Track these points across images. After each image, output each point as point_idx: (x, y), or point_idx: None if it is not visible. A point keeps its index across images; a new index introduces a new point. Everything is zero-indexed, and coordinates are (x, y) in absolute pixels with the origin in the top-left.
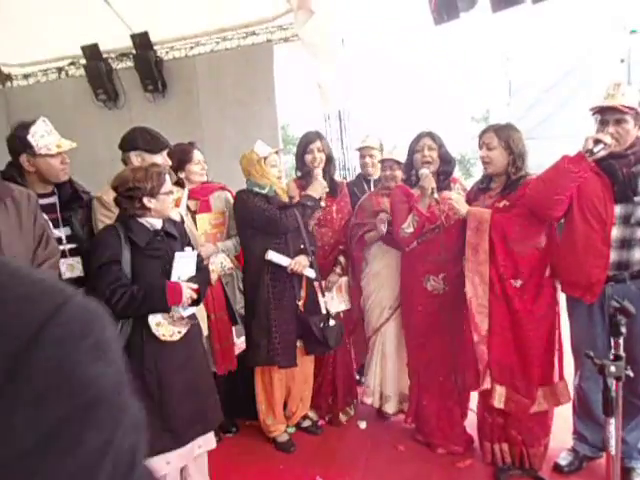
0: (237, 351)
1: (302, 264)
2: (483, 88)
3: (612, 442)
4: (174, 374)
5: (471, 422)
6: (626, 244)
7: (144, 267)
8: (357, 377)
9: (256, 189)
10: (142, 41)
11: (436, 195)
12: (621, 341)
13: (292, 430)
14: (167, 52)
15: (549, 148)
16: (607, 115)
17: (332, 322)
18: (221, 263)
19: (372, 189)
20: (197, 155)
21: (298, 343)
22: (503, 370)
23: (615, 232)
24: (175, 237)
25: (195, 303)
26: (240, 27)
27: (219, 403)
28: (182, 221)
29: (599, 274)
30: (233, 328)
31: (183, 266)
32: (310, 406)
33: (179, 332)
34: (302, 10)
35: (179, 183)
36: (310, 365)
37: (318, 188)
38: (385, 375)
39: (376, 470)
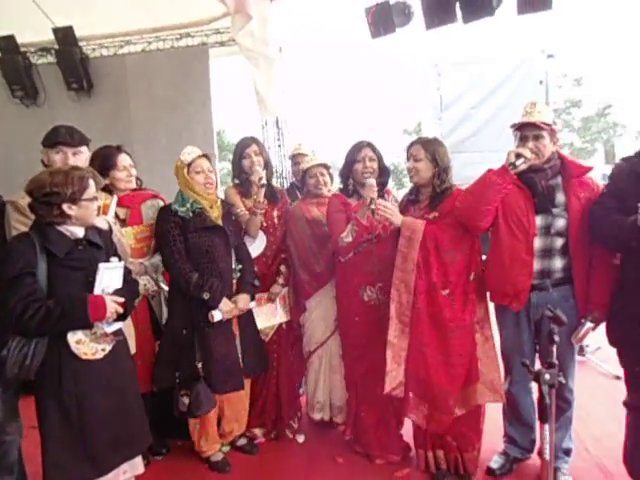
0: None
1: (241, 308)
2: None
3: (547, 447)
4: (97, 396)
5: (407, 430)
6: (547, 253)
7: (63, 279)
8: (300, 391)
9: (176, 206)
10: (66, 36)
11: (374, 206)
12: (554, 349)
13: (227, 449)
14: (94, 49)
15: (477, 161)
16: (526, 131)
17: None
18: (144, 285)
19: None
20: (122, 160)
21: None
22: (420, 386)
23: (537, 242)
24: (99, 246)
25: (121, 318)
26: (174, 28)
27: (147, 424)
28: (110, 230)
29: (524, 282)
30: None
31: (108, 278)
32: (255, 424)
33: (103, 350)
34: (239, 15)
35: (108, 189)
36: (248, 386)
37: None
38: (334, 387)
39: None
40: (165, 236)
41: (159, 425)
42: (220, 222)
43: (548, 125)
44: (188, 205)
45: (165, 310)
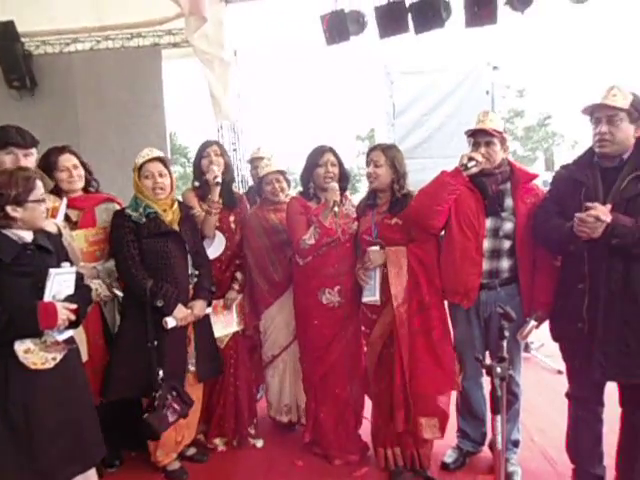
0: None
1: (197, 315)
2: (368, 108)
3: (499, 438)
4: (47, 407)
5: (365, 430)
6: (495, 254)
7: (10, 286)
8: (258, 396)
9: (129, 210)
10: (6, 30)
11: (336, 209)
12: (504, 344)
13: (177, 463)
14: (38, 46)
15: (428, 167)
16: (479, 137)
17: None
18: (96, 291)
19: None
20: (64, 160)
21: (191, 367)
22: (427, 400)
23: (486, 243)
24: (50, 251)
25: (73, 325)
26: (124, 27)
27: (101, 436)
28: (59, 233)
29: (474, 281)
30: None
31: (59, 284)
32: (216, 435)
33: (54, 359)
34: (194, 17)
35: (57, 191)
36: (200, 391)
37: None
38: (299, 390)
39: None
40: (119, 241)
41: (112, 435)
42: (176, 226)
43: (499, 133)
44: (141, 210)
45: (118, 317)
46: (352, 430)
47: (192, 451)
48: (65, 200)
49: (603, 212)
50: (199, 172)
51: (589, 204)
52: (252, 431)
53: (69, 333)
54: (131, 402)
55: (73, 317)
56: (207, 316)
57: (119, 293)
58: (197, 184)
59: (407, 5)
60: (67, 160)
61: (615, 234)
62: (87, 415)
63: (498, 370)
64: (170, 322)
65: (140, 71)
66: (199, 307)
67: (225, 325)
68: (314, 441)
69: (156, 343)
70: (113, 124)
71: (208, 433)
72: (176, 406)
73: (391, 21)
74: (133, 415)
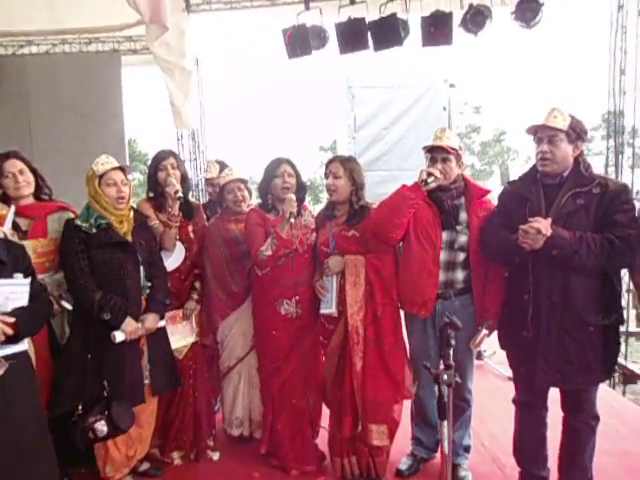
0: None
1: (148, 328)
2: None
3: (445, 443)
4: None
5: (322, 439)
6: (451, 266)
7: None
8: (216, 408)
9: (79, 221)
10: None
11: (293, 220)
12: (450, 352)
13: (130, 478)
14: None
15: (388, 179)
16: (436, 154)
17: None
18: None
19: None
20: (9, 166)
21: (145, 381)
22: (378, 407)
23: (442, 256)
24: (2, 262)
25: (12, 340)
26: (82, 32)
27: (52, 456)
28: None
29: (431, 292)
30: None
31: (5, 296)
32: (173, 448)
33: None
34: (154, 25)
35: (5, 198)
36: (154, 405)
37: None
38: (253, 403)
39: None
40: (67, 252)
41: (60, 452)
42: (129, 237)
43: (455, 150)
44: (92, 220)
45: (67, 331)
46: (309, 440)
47: (145, 466)
48: (13, 208)
49: (544, 226)
50: (154, 183)
51: (531, 219)
52: (211, 443)
53: (9, 349)
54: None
55: (9, 331)
56: (162, 328)
57: (68, 306)
58: (152, 195)
59: (367, 23)
60: (12, 166)
61: (555, 245)
62: (31, 435)
63: (445, 377)
64: (118, 336)
65: (99, 76)
66: (151, 320)
67: (184, 336)
68: (271, 452)
69: (90, 356)
70: (69, 130)
71: (165, 447)
72: (102, 427)
73: (351, 38)
74: None
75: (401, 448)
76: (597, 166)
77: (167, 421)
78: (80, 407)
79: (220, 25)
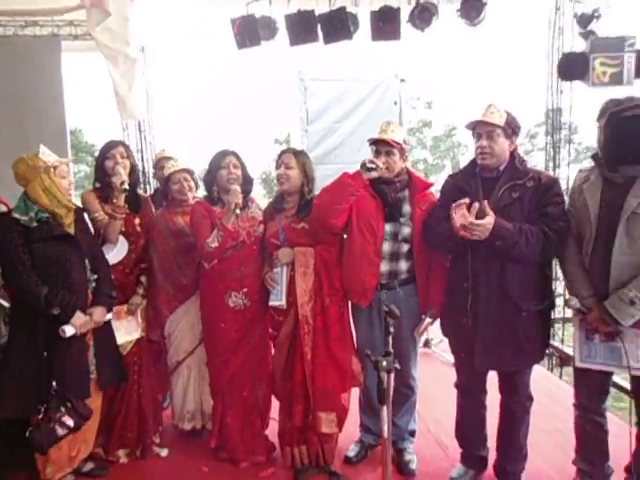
0: None
1: (97, 321)
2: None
3: (385, 427)
4: None
5: (272, 430)
6: (395, 257)
7: None
8: (165, 404)
9: (18, 214)
10: None
11: (238, 211)
12: (390, 339)
13: (71, 478)
14: None
15: (339, 173)
16: (380, 147)
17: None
18: None
19: None
20: None
21: (92, 375)
22: (327, 396)
23: (386, 246)
24: None
25: None
26: (17, 14)
27: None
28: None
29: (371, 281)
30: None
31: None
32: (118, 446)
33: None
34: (96, 10)
35: None
36: (99, 401)
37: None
38: (204, 395)
39: None
40: (6, 247)
41: None
42: (72, 230)
43: (398, 144)
44: (32, 214)
45: (4, 328)
46: (258, 431)
47: (89, 466)
48: None
49: (489, 220)
50: (102, 173)
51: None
52: (157, 440)
53: None
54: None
55: None
56: (108, 322)
57: (5, 303)
58: (98, 185)
59: (316, 15)
60: None
61: (499, 236)
62: None
63: (384, 363)
64: (68, 330)
65: (36, 62)
66: (99, 313)
67: (128, 331)
68: (220, 446)
69: (46, 354)
70: (4, 117)
71: (109, 445)
72: (67, 420)
73: (301, 30)
74: (19, 431)
75: (349, 435)
76: (540, 161)
77: (110, 419)
78: (43, 408)
79: (167, 12)
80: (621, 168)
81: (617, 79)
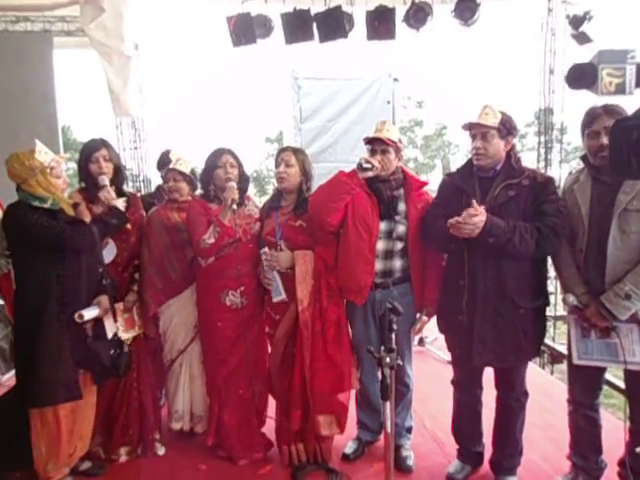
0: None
1: (105, 307)
2: (277, 111)
3: (388, 423)
4: None
5: (269, 428)
6: (389, 255)
7: None
8: (161, 402)
9: (35, 203)
10: None
11: (235, 207)
12: (393, 336)
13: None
14: None
15: (333, 171)
16: (375, 145)
17: (125, 349)
18: None
19: None
20: None
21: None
22: (325, 399)
23: (380, 245)
24: None
25: None
26: (9, 9)
27: None
28: None
29: (367, 279)
30: None
31: None
32: (120, 443)
33: None
34: (90, 5)
35: None
36: (94, 397)
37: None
38: (195, 396)
39: None
40: (42, 224)
41: None
42: None
43: (394, 142)
44: (50, 201)
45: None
46: (255, 429)
47: (87, 465)
48: None
49: (480, 216)
50: (86, 175)
51: (470, 209)
52: (157, 436)
53: None
54: (12, 419)
55: None
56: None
57: None
58: (84, 185)
59: (312, 14)
60: None
61: (491, 233)
62: None
63: (387, 360)
64: (87, 314)
65: (27, 58)
66: (105, 301)
67: (126, 328)
68: (218, 444)
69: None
70: None
71: (110, 444)
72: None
73: (297, 28)
74: (16, 430)
75: (347, 433)
76: (530, 161)
77: (110, 417)
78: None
79: (162, 9)
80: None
81: (621, 89)
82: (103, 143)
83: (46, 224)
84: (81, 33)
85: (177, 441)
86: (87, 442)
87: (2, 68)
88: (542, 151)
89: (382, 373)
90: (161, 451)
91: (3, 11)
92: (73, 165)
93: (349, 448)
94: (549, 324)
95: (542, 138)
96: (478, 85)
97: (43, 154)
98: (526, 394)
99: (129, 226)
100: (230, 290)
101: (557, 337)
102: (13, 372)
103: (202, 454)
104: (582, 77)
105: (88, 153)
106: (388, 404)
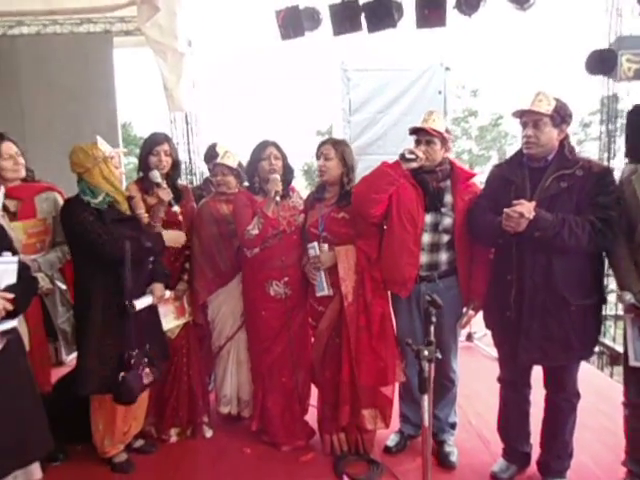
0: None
1: (159, 296)
2: (327, 104)
3: (425, 416)
4: None
5: (312, 416)
6: (435, 248)
7: None
8: (210, 387)
9: (88, 198)
10: None
11: (278, 198)
12: (432, 329)
13: (124, 455)
14: None
15: None
16: (420, 136)
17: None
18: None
19: None
20: (7, 148)
21: None
22: (369, 393)
23: (426, 238)
24: None
25: (11, 315)
26: (73, 12)
27: (47, 430)
28: None
29: (411, 271)
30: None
31: None
32: (170, 425)
33: None
34: (146, 5)
35: None
36: None
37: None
38: (242, 381)
39: (222, 475)
40: (84, 225)
41: (56, 428)
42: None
43: (439, 133)
44: (100, 197)
45: (61, 309)
46: (298, 417)
47: (140, 443)
48: (2, 189)
49: (527, 209)
50: (145, 165)
51: (515, 202)
52: (206, 419)
53: (9, 324)
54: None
55: (10, 307)
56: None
57: (62, 285)
58: (142, 174)
59: (360, 4)
60: (9, 148)
61: (538, 227)
62: (28, 407)
63: (425, 353)
64: (139, 304)
65: (90, 58)
66: (159, 289)
67: (176, 316)
68: (262, 429)
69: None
70: (60, 111)
71: (161, 424)
72: (149, 370)
73: (345, 19)
74: (79, 407)
75: (390, 426)
76: (594, 151)
77: (162, 400)
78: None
79: (212, 6)
80: None
81: (639, 74)
82: (166, 138)
83: (88, 227)
84: (138, 32)
85: (225, 425)
86: (141, 422)
87: (67, 68)
88: (606, 140)
89: (419, 366)
90: (209, 434)
91: (69, 14)
92: (134, 160)
93: (391, 441)
94: (609, 323)
95: (606, 127)
96: (536, 72)
97: (105, 146)
98: (578, 395)
99: (180, 217)
100: (274, 280)
101: (618, 337)
102: (76, 353)
103: (248, 438)
104: (601, 63)
105: (151, 146)
106: (426, 397)
